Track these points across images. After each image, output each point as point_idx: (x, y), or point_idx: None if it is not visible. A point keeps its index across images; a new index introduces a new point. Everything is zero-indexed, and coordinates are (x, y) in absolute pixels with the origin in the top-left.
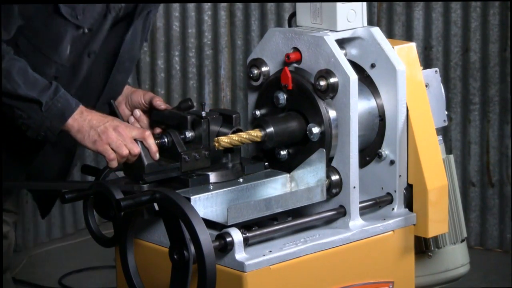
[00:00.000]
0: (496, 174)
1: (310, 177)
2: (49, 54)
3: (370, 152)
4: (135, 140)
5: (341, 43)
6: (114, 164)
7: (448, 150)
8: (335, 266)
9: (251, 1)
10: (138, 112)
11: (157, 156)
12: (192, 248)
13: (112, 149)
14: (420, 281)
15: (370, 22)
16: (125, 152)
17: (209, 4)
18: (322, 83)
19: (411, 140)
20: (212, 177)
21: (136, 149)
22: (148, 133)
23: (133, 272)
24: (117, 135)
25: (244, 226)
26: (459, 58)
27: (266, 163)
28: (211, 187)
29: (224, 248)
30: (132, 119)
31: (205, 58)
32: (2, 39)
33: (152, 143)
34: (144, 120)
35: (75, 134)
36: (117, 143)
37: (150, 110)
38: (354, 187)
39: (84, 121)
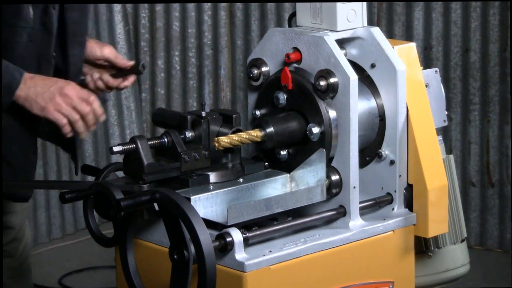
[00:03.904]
0: (496, 174)
1: (310, 177)
2: (15, 23)
3: (370, 152)
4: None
5: (341, 43)
6: (68, 129)
7: (448, 150)
8: (335, 266)
9: (251, 1)
10: (106, 77)
11: (103, 118)
12: (192, 248)
13: (63, 115)
14: (420, 281)
15: (370, 22)
16: (76, 116)
17: (209, 4)
18: (322, 83)
19: (411, 140)
20: (212, 177)
21: (86, 108)
22: (93, 97)
23: (133, 272)
24: (64, 99)
25: (244, 226)
26: (459, 58)
27: (266, 163)
28: (211, 187)
29: (224, 248)
30: (100, 82)
31: (205, 58)
32: None
33: (97, 106)
34: (113, 83)
35: (22, 102)
36: (67, 109)
37: (112, 66)
38: (354, 187)
39: (29, 90)
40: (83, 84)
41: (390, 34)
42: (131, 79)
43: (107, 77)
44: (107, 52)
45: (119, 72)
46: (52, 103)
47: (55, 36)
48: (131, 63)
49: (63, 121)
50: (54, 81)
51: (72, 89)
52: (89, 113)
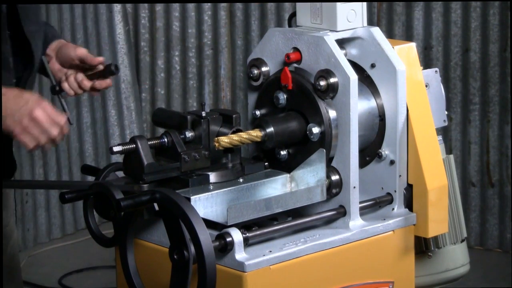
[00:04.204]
0: (496, 174)
1: (310, 177)
2: None
3: (370, 152)
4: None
5: (341, 43)
6: (35, 149)
7: (448, 150)
8: (335, 266)
9: (251, 1)
10: (80, 76)
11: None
12: (192, 248)
13: (31, 139)
14: (420, 281)
15: (370, 22)
16: (44, 140)
17: (209, 4)
18: (322, 83)
19: (411, 140)
20: (212, 177)
21: (55, 131)
22: (61, 118)
23: (133, 272)
24: (34, 123)
25: (244, 226)
26: (459, 58)
27: (266, 163)
28: (211, 187)
29: (224, 248)
30: (74, 83)
31: (205, 58)
32: None
33: (65, 126)
34: (87, 84)
35: None
36: (35, 133)
37: (83, 67)
38: (354, 187)
39: None
40: (59, 89)
41: (390, 34)
42: (108, 81)
43: (81, 77)
44: (81, 52)
45: (94, 73)
46: (21, 126)
47: (5, 14)
48: (101, 59)
49: (31, 146)
50: (25, 100)
51: (42, 111)
52: (58, 135)
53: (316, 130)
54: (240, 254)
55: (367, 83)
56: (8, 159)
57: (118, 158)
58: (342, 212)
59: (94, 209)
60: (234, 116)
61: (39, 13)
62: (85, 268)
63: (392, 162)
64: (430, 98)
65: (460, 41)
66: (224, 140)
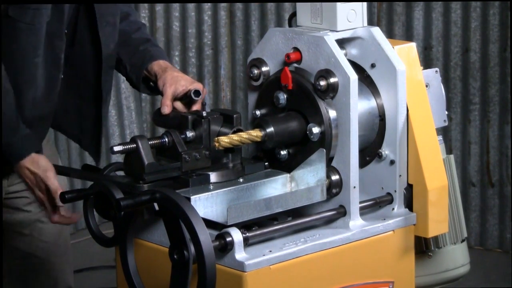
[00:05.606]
0: (496, 174)
1: (310, 177)
2: (38, 7)
3: (370, 152)
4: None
5: (341, 43)
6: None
7: (448, 150)
8: (335, 266)
9: (251, 1)
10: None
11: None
12: (192, 248)
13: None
14: (420, 281)
15: (370, 22)
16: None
17: (209, 4)
18: (322, 83)
19: (411, 140)
20: (213, 177)
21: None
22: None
23: (133, 272)
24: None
25: (244, 226)
26: (459, 58)
27: (266, 163)
28: (211, 187)
29: (224, 248)
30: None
31: (205, 58)
32: None
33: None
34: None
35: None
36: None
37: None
38: (354, 187)
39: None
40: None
41: (390, 34)
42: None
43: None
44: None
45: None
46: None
47: (67, 13)
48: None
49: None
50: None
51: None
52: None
53: (316, 130)
54: (240, 254)
55: (367, 83)
56: None
57: (118, 158)
58: (342, 212)
59: (94, 209)
60: (235, 116)
61: (116, 15)
62: (85, 268)
63: (392, 162)
64: (430, 98)
65: (460, 41)
66: (224, 140)
